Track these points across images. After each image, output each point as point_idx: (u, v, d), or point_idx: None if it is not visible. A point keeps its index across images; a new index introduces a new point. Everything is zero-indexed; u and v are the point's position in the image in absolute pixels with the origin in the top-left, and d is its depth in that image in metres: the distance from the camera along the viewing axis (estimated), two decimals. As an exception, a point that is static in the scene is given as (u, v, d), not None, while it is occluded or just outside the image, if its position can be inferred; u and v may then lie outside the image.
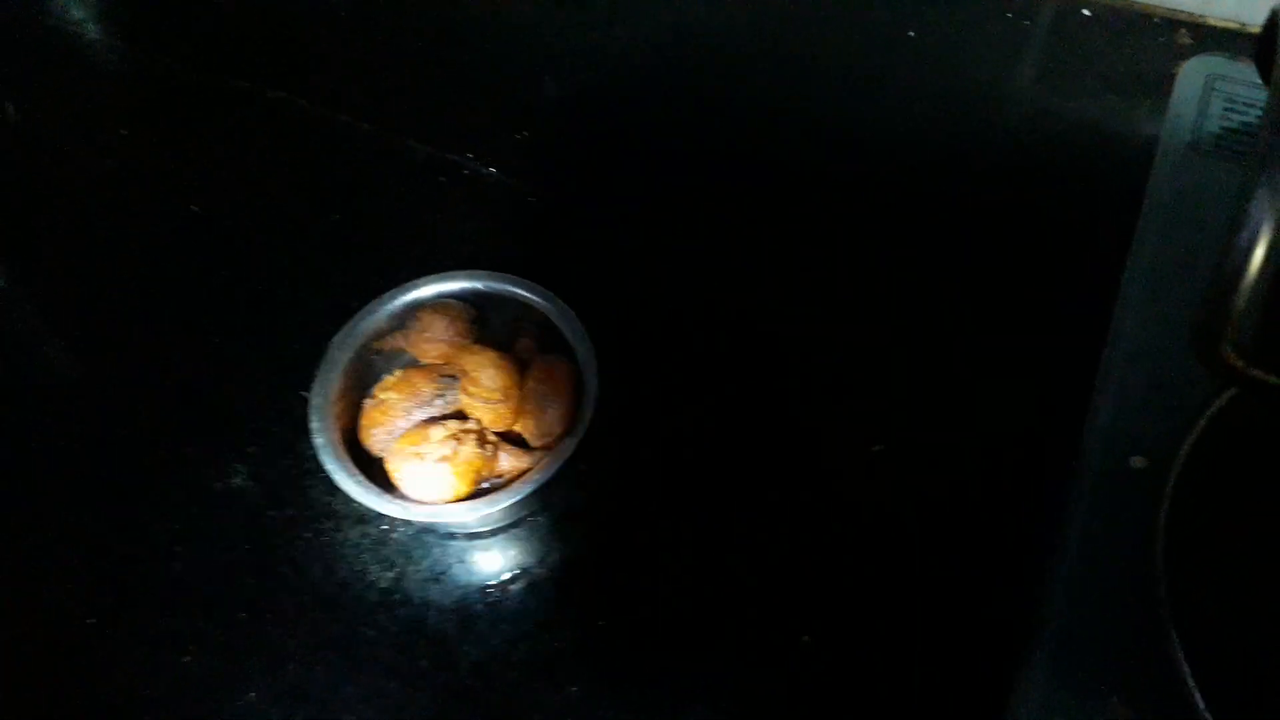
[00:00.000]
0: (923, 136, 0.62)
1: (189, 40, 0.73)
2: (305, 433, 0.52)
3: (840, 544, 0.48)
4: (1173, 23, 0.64)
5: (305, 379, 0.53)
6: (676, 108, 0.66)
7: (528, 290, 0.51)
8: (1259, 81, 0.27)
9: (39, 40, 0.73)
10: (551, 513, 0.49)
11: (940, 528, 0.47)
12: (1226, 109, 0.46)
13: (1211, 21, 0.63)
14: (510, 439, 0.48)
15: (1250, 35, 0.63)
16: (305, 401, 0.53)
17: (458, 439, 0.46)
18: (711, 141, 0.64)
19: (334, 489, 0.47)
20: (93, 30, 0.74)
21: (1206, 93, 0.46)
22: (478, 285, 0.51)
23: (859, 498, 0.49)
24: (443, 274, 0.52)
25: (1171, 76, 0.61)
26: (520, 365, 0.48)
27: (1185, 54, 0.62)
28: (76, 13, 0.75)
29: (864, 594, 0.46)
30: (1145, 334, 0.40)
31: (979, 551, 0.46)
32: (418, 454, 0.45)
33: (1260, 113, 0.24)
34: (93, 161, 0.66)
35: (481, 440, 0.46)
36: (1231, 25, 0.63)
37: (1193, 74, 0.46)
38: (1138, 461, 0.37)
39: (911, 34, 0.66)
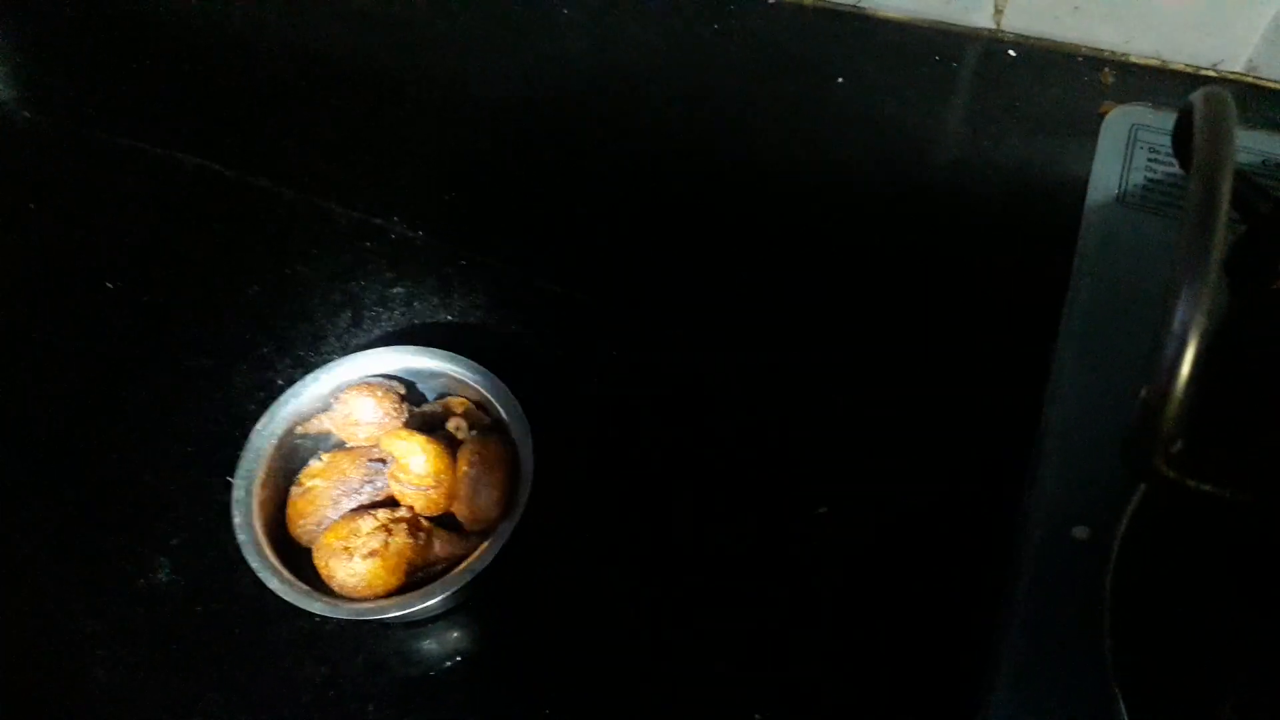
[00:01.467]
0: (855, 183, 0.62)
1: (97, 103, 0.70)
2: (226, 520, 0.50)
3: (789, 615, 0.47)
4: (1096, 61, 0.65)
5: (227, 461, 0.51)
6: (605, 160, 0.65)
7: (458, 365, 0.49)
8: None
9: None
10: (491, 597, 0.48)
11: (890, 593, 0.46)
12: (1150, 160, 0.46)
13: (1134, 59, 0.64)
14: (443, 522, 0.47)
15: (1172, 72, 0.64)
16: (228, 486, 0.51)
17: (388, 529, 0.44)
18: (641, 193, 0.63)
19: (261, 581, 0.45)
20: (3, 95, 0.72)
21: (1130, 144, 0.46)
22: (406, 361, 0.50)
23: (806, 564, 0.48)
24: (368, 350, 0.50)
25: (1098, 116, 0.62)
26: (452, 446, 0.46)
27: (1109, 93, 0.63)
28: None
29: (813, 668, 0.45)
30: (1082, 398, 0.39)
31: (927, 619, 0.45)
32: (346, 548, 0.43)
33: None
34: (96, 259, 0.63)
35: (414, 529, 0.45)
36: (1153, 62, 0.64)
37: (1116, 125, 0.46)
38: (1080, 532, 0.36)
39: (840, 80, 0.66)
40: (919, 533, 0.47)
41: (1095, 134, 0.61)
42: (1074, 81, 0.64)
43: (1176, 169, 0.45)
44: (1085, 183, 0.58)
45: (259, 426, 0.48)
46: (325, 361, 0.55)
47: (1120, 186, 0.44)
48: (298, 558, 0.46)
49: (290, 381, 0.52)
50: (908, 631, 0.45)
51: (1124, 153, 0.45)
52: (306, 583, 0.45)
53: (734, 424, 0.53)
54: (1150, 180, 0.45)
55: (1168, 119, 0.44)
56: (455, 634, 0.47)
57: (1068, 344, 0.41)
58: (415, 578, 0.45)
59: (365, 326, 0.57)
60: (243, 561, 0.48)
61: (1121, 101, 0.62)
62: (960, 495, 0.48)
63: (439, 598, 0.43)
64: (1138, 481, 0.24)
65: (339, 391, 0.49)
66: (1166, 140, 0.45)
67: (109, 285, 0.60)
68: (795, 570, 0.48)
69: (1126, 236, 0.43)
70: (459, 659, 0.47)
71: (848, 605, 0.47)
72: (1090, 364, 0.40)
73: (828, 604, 0.47)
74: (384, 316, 0.58)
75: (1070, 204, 0.58)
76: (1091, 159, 0.59)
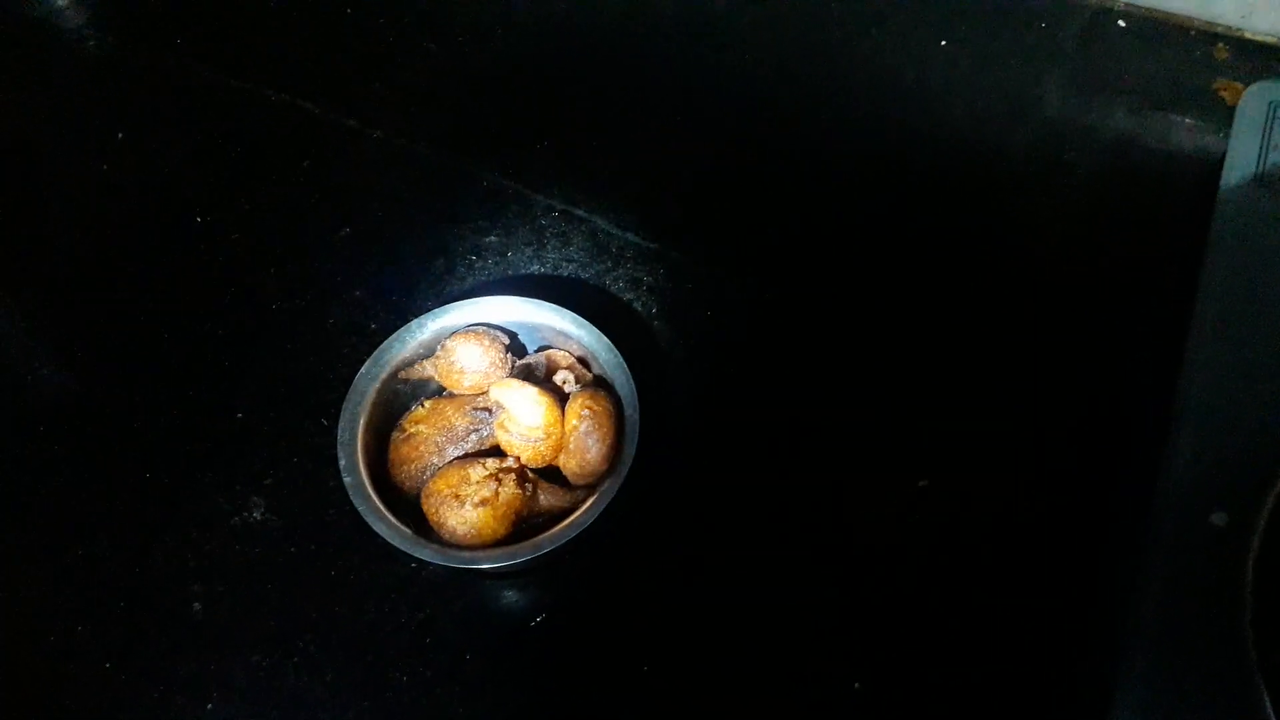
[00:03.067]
0: (956, 151, 0.60)
1: (184, 34, 0.69)
2: (324, 461, 0.50)
3: (890, 587, 0.46)
4: (1210, 35, 0.63)
5: (321, 403, 0.51)
6: (711, 109, 0.63)
7: (563, 318, 0.48)
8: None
9: (20, 33, 0.69)
10: (589, 552, 0.47)
11: (996, 572, 0.46)
12: (1293, 138, 0.45)
13: (1250, 36, 0.62)
14: (545, 474, 0.46)
15: (1289, 50, 0.62)
16: (322, 428, 0.51)
17: (498, 479, 0.43)
18: (744, 149, 0.62)
19: (359, 523, 0.45)
20: (81, 21, 0.70)
21: (1270, 121, 0.45)
22: (509, 311, 0.49)
23: (905, 537, 0.48)
24: (474, 299, 0.49)
25: (1210, 92, 0.60)
26: (560, 400, 0.46)
27: (1223, 69, 0.61)
28: (61, 2, 0.71)
29: (917, 640, 0.45)
30: (1220, 379, 0.38)
31: (1037, 601, 0.44)
32: (456, 496, 0.43)
33: None
34: (86, 166, 0.62)
35: (521, 480, 0.44)
36: (1270, 40, 0.62)
37: (1253, 102, 0.45)
38: (1218, 518, 0.36)
39: (944, 43, 0.64)
40: (1030, 511, 0.47)
41: (1208, 111, 0.59)
42: (1186, 56, 0.62)
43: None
44: (1197, 160, 0.57)
45: (363, 370, 0.48)
46: (418, 307, 0.55)
47: (1259, 166, 0.43)
48: (397, 505, 0.46)
49: (384, 326, 0.51)
50: (1016, 613, 0.45)
51: (1263, 130, 0.44)
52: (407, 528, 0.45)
53: (836, 391, 0.52)
54: (1294, 159, 0.44)
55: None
56: (552, 587, 0.47)
57: (1203, 323, 0.40)
58: (519, 529, 0.45)
59: (459, 274, 0.57)
60: (338, 503, 0.48)
61: (1237, 79, 0.60)
62: (1077, 475, 0.47)
63: (547, 549, 0.43)
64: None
65: (443, 338, 0.48)
66: (1309, 119, 0.44)
67: (198, 220, 0.59)
68: (895, 542, 0.48)
69: (1267, 216, 0.41)
70: (556, 612, 0.46)
71: (951, 584, 0.46)
72: (1229, 344, 0.39)
73: (930, 580, 0.46)
74: (477, 265, 0.57)
75: (1181, 182, 0.57)
76: (1203, 136, 0.58)
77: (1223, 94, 0.60)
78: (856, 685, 0.44)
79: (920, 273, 0.56)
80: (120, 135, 0.63)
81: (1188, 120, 0.59)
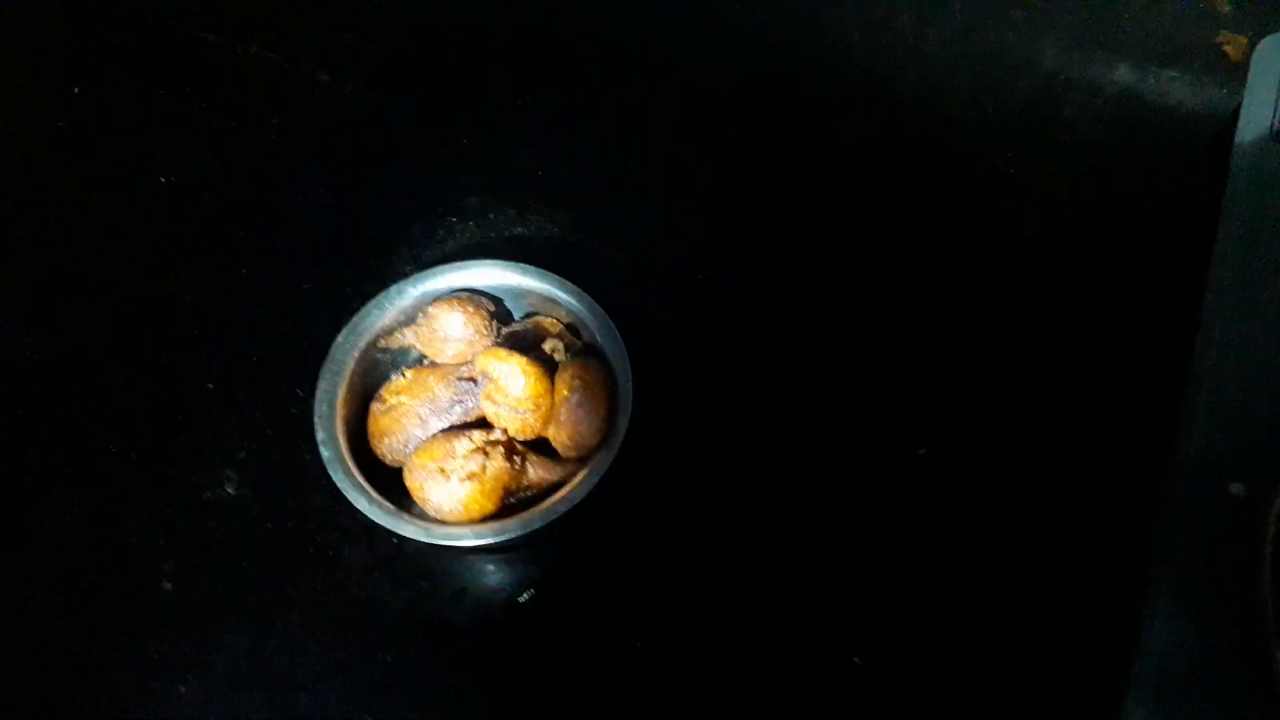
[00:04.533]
0: (955, 108, 0.58)
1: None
2: (301, 433, 0.48)
3: (889, 558, 0.45)
4: (1212, -12, 0.61)
5: (296, 373, 0.49)
6: (703, 64, 0.61)
7: (550, 283, 0.46)
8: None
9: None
10: (578, 526, 0.46)
11: (997, 542, 0.45)
12: (1311, 92, 0.43)
13: (1253, -12, 0.60)
14: (534, 447, 0.45)
15: (1292, 4, 0.60)
16: (298, 399, 0.49)
17: (485, 453, 0.42)
18: (739, 102, 0.59)
19: (338, 498, 0.43)
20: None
21: (1286, 74, 0.43)
22: (498, 277, 0.47)
23: (905, 505, 0.46)
24: (457, 263, 0.47)
25: (1212, 45, 0.59)
26: (549, 369, 0.44)
27: (1225, 22, 0.60)
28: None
29: (916, 612, 0.44)
30: (1237, 344, 0.37)
31: (1043, 571, 0.44)
32: (442, 470, 0.41)
33: None
34: (40, 122, 0.59)
35: (510, 453, 0.42)
36: (1274, -7, 0.60)
37: (1267, 56, 0.43)
38: (1237, 488, 0.35)
39: (940, -5, 0.62)
40: (1035, 480, 0.46)
41: (1210, 65, 0.58)
42: (1187, 9, 0.61)
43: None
44: (1201, 115, 0.56)
45: (340, 339, 0.45)
46: (397, 272, 0.52)
47: (1275, 121, 0.41)
48: (377, 479, 0.44)
49: (361, 292, 0.49)
50: (1019, 583, 0.44)
51: (1278, 86, 0.42)
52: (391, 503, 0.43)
53: (834, 358, 0.50)
54: (1310, 114, 0.42)
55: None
56: (541, 563, 0.46)
57: (1220, 286, 0.38)
58: (508, 503, 0.43)
59: (439, 238, 0.54)
60: (315, 477, 0.46)
61: (1239, 32, 0.59)
62: (1084, 443, 0.46)
63: (538, 526, 0.41)
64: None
65: (425, 305, 0.46)
66: (1324, 74, 0.42)
67: (162, 180, 0.56)
68: (894, 512, 0.46)
69: (1284, 172, 0.40)
70: (546, 588, 0.45)
71: (951, 550, 0.45)
72: (1246, 308, 0.38)
73: (929, 550, 0.45)
74: (458, 228, 0.54)
75: (1186, 138, 0.55)
76: (1206, 90, 0.57)
77: (1225, 48, 0.58)
78: (856, 660, 0.43)
79: (919, 233, 0.54)
80: (76, 89, 0.60)
81: (1189, 75, 0.57)
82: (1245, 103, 0.43)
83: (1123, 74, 0.58)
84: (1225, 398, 0.36)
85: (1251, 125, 0.42)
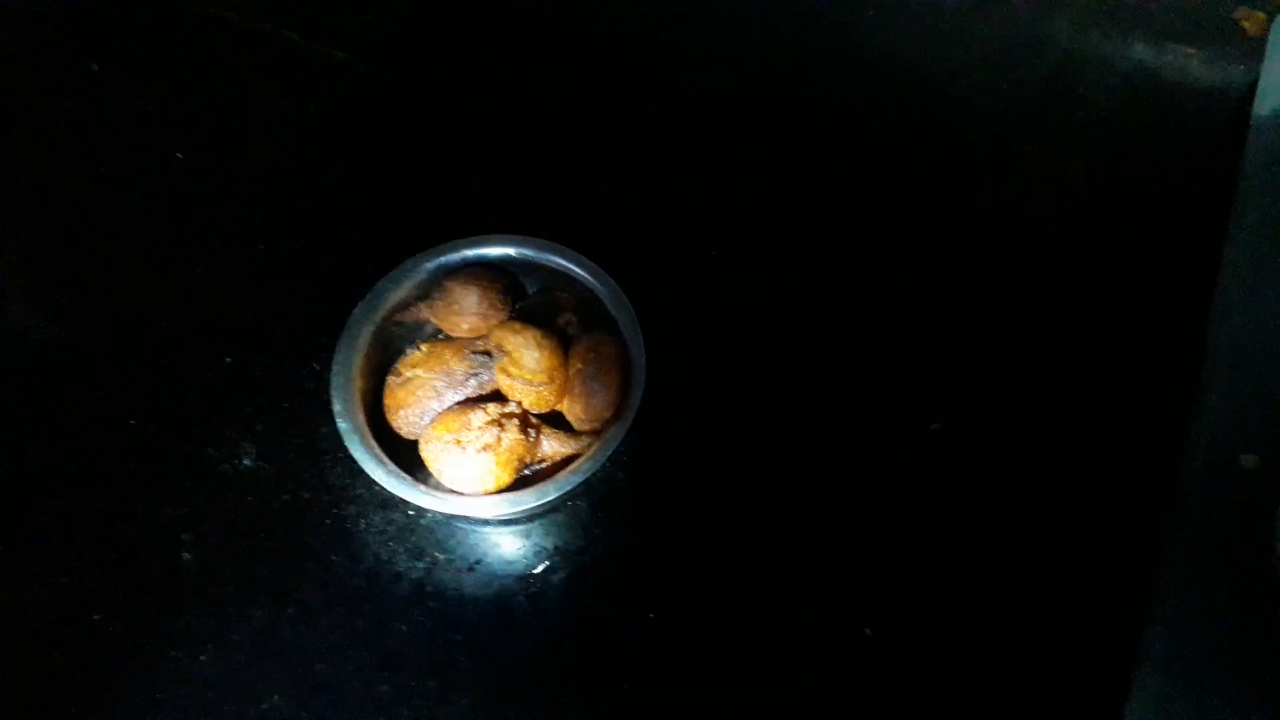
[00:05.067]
0: (970, 86, 0.58)
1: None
2: (315, 406, 0.48)
3: (903, 532, 0.45)
4: (1231, -35, 0.60)
5: (314, 347, 0.49)
6: (720, 53, 0.61)
7: (568, 259, 0.46)
8: None
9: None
10: (591, 498, 0.46)
11: (1011, 516, 0.45)
12: (1324, 69, 0.43)
13: (1271, -36, 0.60)
14: (547, 420, 0.45)
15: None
16: (314, 373, 0.49)
17: (500, 425, 0.42)
18: (758, 92, 0.59)
19: (355, 470, 0.44)
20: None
21: (1303, 51, 0.43)
22: (512, 252, 0.47)
23: (917, 479, 0.47)
24: (472, 238, 0.47)
25: (1230, 21, 0.58)
26: (563, 343, 0.44)
27: (1244, -1, 0.59)
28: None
29: (929, 586, 0.44)
30: (1253, 316, 0.37)
31: (1058, 545, 0.44)
32: (457, 441, 0.42)
33: None
34: (58, 100, 0.59)
35: (524, 425, 0.43)
36: (1293, -31, 0.60)
37: (1286, 30, 0.43)
38: (1249, 460, 0.35)
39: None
40: (1049, 453, 0.46)
41: (1228, 41, 0.57)
42: (1205, -14, 0.60)
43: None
44: (1219, 91, 0.56)
45: (356, 312, 0.46)
46: (413, 247, 0.52)
47: (1293, 97, 0.41)
48: (393, 450, 0.44)
49: (377, 267, 0.49)
50: (1032, 556, 0.44)
51: (1296, 61, 0.42)
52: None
53: (848, 333, 0.50)
54: (1323, 91, 0.42)
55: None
56: (553, 537, 0.46)
57: (1235, 260, 0.38)
58: (522, 475, 0.44)
59: (454, 213, 0.54)
60: (332, 449, 0.47)
61: (1257, 8, 0.58)
62: (1099, 417, 0.46)
63: (553, 497, 0.41)
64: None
65: (440, 279, 0.46)
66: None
67: (179, 155, 0.57)
68: (907, 486, 0.47)
69: (1301, 150, 0.40)
70: (558, 560, 0.45)
71: (965, 524, 0.45)
72: (1262, 281, 0.38)
73: (943, 524, 0.45)
74: (473, 203, 0.55)
75: (1203, 114, 0.55)
76: (1224, 66, 0.56)
77: (1244, 23, 0.58)
78: (868, 631, 0.43)
79: (933, 208, 0.54)
80: (95, 67, 0.60)
81: (1206, 51, 0.57)
82: (1263, 78, 0.42)
83: (1139, 50, 0.58)
84: (1239, 371, 0.36)
85: (1269, 101, 0.41)
